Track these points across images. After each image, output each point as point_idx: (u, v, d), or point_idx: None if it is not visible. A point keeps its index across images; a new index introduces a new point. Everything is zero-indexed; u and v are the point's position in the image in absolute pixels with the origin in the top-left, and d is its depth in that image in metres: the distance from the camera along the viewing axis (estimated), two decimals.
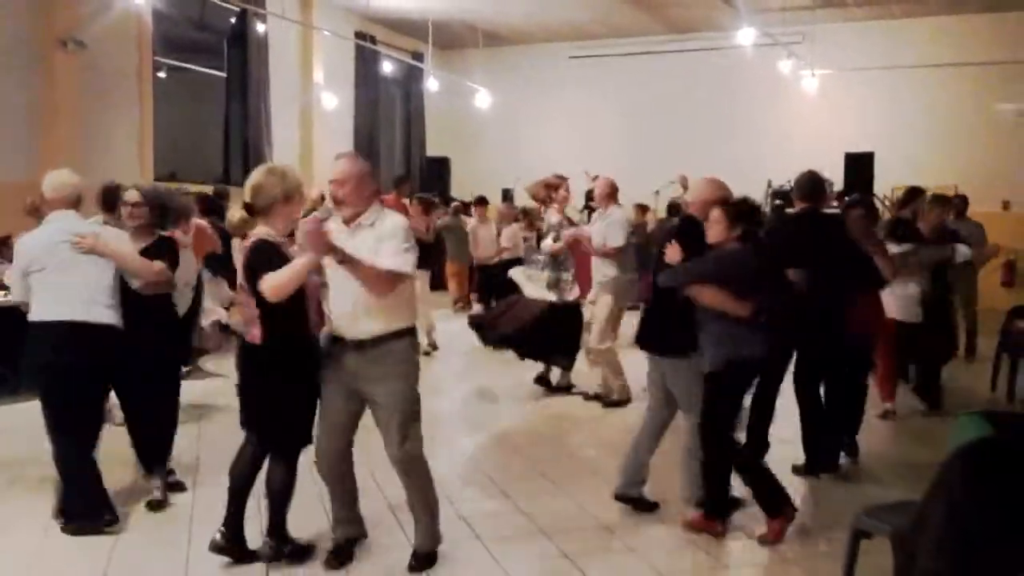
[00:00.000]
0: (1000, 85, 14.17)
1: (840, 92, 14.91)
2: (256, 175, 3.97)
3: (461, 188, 16.09)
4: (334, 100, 14.17)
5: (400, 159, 16.86)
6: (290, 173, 4.01)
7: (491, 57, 16.87)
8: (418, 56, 15.98)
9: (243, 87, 13.34)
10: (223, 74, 13.43)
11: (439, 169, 16.36)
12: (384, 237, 3.85)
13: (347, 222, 3.95)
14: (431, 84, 14.74)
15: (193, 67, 13.34)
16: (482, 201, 12.05)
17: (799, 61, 14.38)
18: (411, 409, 3.99)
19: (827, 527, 4.71)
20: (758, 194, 13.27)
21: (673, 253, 4.61)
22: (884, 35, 14.70)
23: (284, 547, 4.13)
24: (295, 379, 3.94)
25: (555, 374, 8.02)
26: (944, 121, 14.49)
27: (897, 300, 6.82)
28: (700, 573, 4.26)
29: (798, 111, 15.13)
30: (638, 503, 4.90)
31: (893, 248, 6.61)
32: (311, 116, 14.34)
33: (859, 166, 13.72)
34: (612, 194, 7.54)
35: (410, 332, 4.02)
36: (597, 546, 4.49)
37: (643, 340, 4.93)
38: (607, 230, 7.33)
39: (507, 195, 16.89)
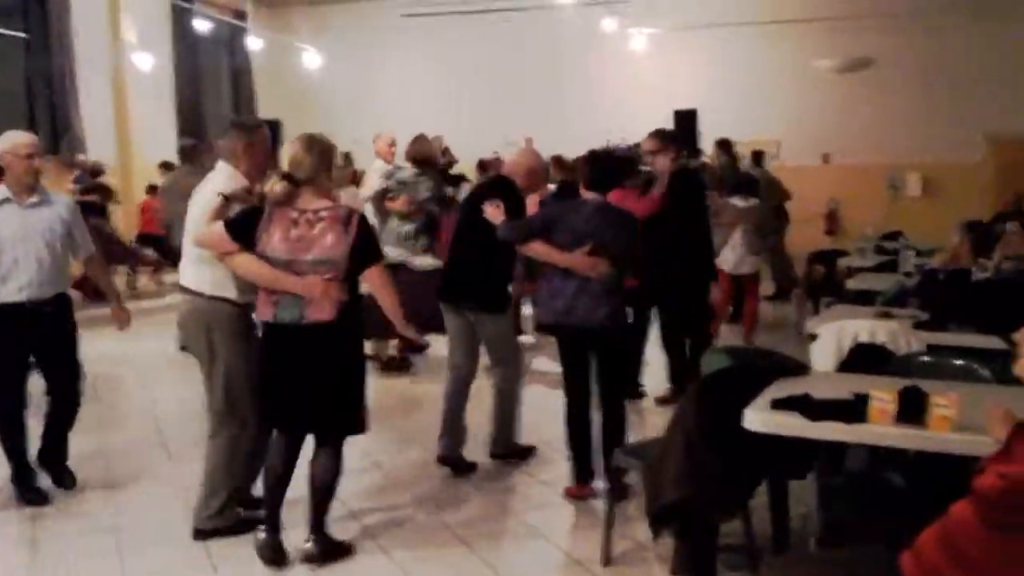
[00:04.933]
0: (818, 42, 14.68)
1: (667, 50, 15.14)
2: (296, 149, 3.60)
3: None
4: (149, 61, 13.39)
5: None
6: (324, 139, 3.71)
7: (319, 15, 16.28)
8: (240, 15, 15.28)
9: (46, 48, 12.44)
10: (24, 35, 12.49)
11: (271, 132, 15.74)
12: None
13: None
14: (253, 43, 14.12)
15: None
16: None
17: (624, 20, 14.52)
18: None
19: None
20: None
21: (494, 212, 4.56)
22: None
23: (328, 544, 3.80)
24: (362, 358, 3.78)
25: None
26: (766, 78, 14.91)
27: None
28: (494, 519, 4.19)
29: (627, 70, 15.27)
30: (459, 464, 4.81)
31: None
32: (124, 79, 13.50)
33: (685, 123, 14.02)
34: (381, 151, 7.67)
35: None
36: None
37: (450, 294, 4.86)
38: None
39: (347, 158, 16.47)
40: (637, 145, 15.70)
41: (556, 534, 4.06)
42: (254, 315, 3.78)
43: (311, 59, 15.02)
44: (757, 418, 3.03)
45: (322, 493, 3.71)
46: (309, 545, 3.73)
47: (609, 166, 4.65)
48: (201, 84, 15.34)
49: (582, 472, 4.42)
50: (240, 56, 15.91)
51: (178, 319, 4.00)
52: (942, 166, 14.46)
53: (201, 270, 3.82)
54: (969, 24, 13.79)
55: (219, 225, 3.63)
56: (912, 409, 2.88)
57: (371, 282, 3.66)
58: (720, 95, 14.67)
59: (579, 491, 4.42)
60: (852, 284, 6.50)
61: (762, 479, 3.49)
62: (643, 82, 15.14)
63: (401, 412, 6.05)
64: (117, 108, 13.48)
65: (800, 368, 3.62)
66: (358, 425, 3.71)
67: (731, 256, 7.82)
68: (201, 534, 3.94)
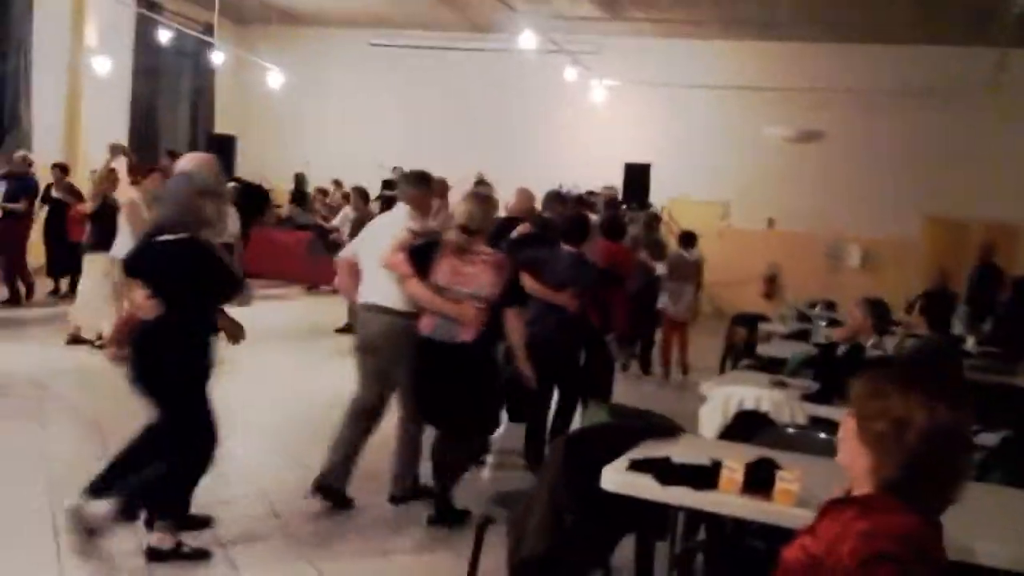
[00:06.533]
0: (769, 109, 15.05)
1: (625, 103, 15.40)
2: (470, 206, 4.53)
3: (249, 169, 15.55)
4: (107, 65, 13.30)
5: (186, 135, 16.07)
6: (491, 198, 4.99)
7: (286, 36, 16.40)
8: (208, 29, 15.28)
9: (2, 43, 12.35)
10: None
11: (224, 148, 15.66)
12: None
13: None
14: (216, 58, 14.12)
15: None
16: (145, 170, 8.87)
17: (587, 71, 14.76)
18: None
19: None
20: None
21: None
22: (669, 53, 15.28)
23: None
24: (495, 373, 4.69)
25: None
26: (719, 140, 15.23)
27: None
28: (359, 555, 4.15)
29: (585, 119, 15.50)
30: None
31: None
32: (79, 80, 13.41)
33: (637, 177, 14.25)
34: None
35: None
36: None
37: None
38: None
39: (300, 179, 16.48)
40: (591, 193, 16.11)
41: None
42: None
43: (274, 79, 15.04)
44: (612, 478, 3.06)
45: (451, 474, 4.60)
46: (433, 513, 4.57)
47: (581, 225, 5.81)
48: (159, 93, 15.29)
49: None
50: (203, 69, 15.86)
51: (366, 330, 4.74)
52: (882, 240, 14.83)
53: (395, 290, 4.59)
54: (917, 108, 14.23)
55: (403, 254, 4.47)
56: (759, 480, 2.93)
57: (507, 319, 4.52)
58: (673, 152, 14.95)
59: None
60: (762, 350, 6.61)
61: (621, 537, 3.52)
62: (599, 132, 15.38)
63: None
64: (69, 108, 13.37)
65: (673, 430, 3.66)
66: (489, 425, 4.70)
67: (681, 305, 9.21)
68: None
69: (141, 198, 7.38)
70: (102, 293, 8.00)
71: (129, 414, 4.11)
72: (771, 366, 6.30)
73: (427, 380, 4.49)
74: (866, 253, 15.02)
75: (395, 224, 4.76)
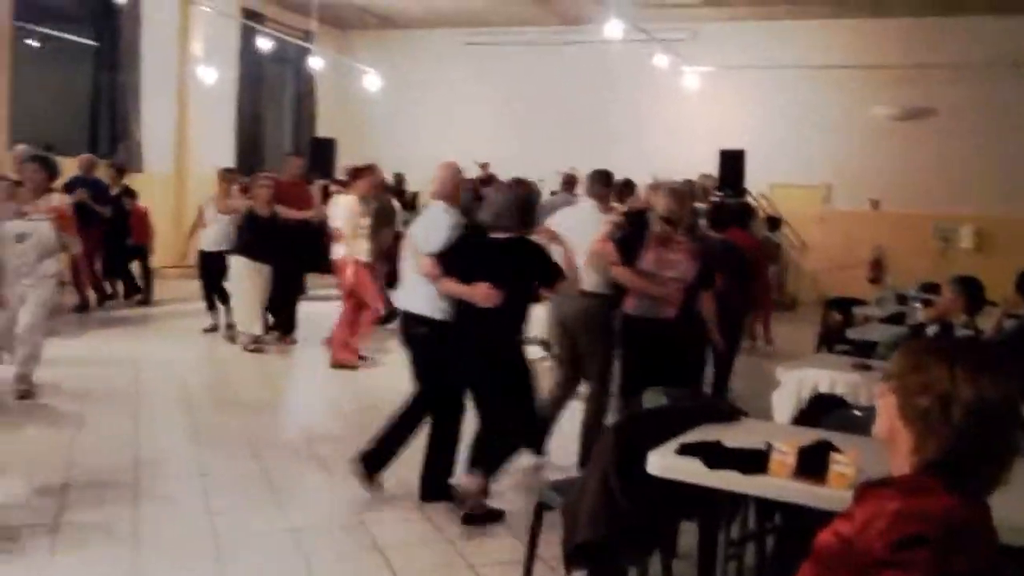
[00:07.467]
0: (875, 88, 14.48)
1: (718, 89, 15.06)
2: (670, 203, 5.08)
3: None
4: (213, 75, 13.87)
5: (290, 139, 16.61)
6: (689, 195, 5.54)
7: (383, 39, 16.74)
8: (308, 35, 15.76)
9: (114, 57, 13.03)
10: (94, 43, 13.11)
11: (324, 150, 16.15)
12: None
13: None
14: (315, 63, 14.54)
15: (62, 35, 12.95)
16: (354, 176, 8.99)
17: (678, 58, 14.51)
18: None
19: None
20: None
21: None
22: (765, 36, 14.84)
23: None
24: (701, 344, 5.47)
25: None
26: (816, 122, 14.71)
27: None
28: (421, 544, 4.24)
29: (677, 107, 15.23)
30: None
31: None
32: (187, 91, 14.02)
33: (732, 163, 13.93)
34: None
35: None
36: None
37: None
38: None
39: (399, 179, 16.78)
40: (690, 182, 15.69)
41: (481, 564, 4.06)
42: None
43: (371, 81, 15.37)
44: (658, 462, 3.02)
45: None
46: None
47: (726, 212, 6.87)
48: (263, 100, 15.81)
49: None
50: (303, 75, 16.35)
51: (560, 311, 5.38)
52: (997, 220, 14.05)
53: (586, 275, 5.12)
54: None
55: (610, 244, 5.12)
56: (812, 464, 2.84)
57: (704, 301, 5.20)
58: (770, 137, 14.53)
59: None
60: (852, 333, 6.41)
61: (678, 523, 3.47)
62: (692, 120, 15.09)
63: None
64: (179, 119, 13.99)
65: (732, 414, 3.59)
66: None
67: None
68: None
69: (357, 200, 7.94)
70: (253, 295, 8.44)
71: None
72: (863, 349, 6.12)
73: (633, 353, 5.14)
74: (979, 233, 14.27)
75: (583, 217, 5.54)
